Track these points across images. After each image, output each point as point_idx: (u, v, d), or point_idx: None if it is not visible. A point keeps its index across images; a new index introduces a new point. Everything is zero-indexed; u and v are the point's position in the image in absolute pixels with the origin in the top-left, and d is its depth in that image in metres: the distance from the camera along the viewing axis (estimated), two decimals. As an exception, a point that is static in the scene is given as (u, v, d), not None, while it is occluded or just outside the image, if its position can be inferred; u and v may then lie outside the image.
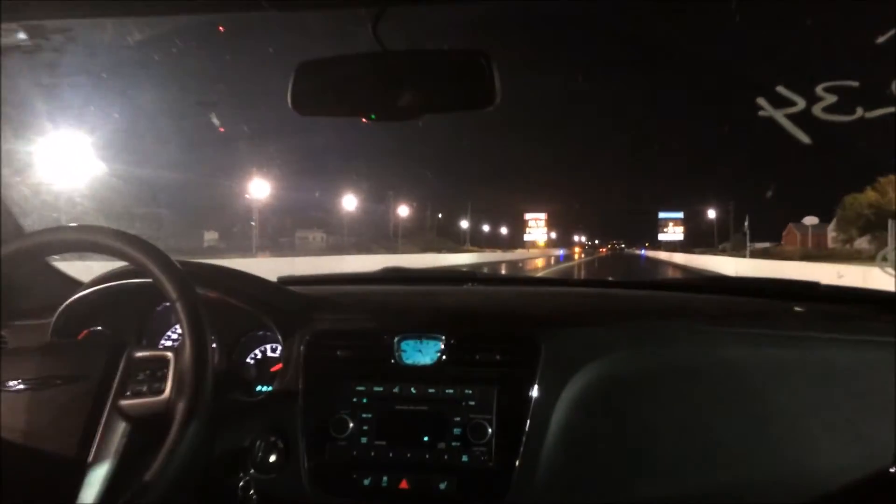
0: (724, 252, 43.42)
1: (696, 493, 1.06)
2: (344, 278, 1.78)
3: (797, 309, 1.33)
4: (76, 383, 0.93)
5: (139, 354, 0.97)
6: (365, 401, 1.15)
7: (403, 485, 1.09)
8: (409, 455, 1.11)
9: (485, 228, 71.41)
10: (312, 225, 43.90)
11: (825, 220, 40.90)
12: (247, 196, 27.97)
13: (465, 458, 1.09)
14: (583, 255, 69.39)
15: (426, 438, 1.11)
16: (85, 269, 1.37)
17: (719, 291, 1.54)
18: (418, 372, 1.17)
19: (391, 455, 1.11)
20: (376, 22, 0.97)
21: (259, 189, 27.96)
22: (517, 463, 1.07)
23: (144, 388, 0.94)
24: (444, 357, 1.17)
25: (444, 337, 1.18)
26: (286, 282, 1.62)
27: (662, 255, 55.73)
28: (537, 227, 67.15)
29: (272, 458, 1.12)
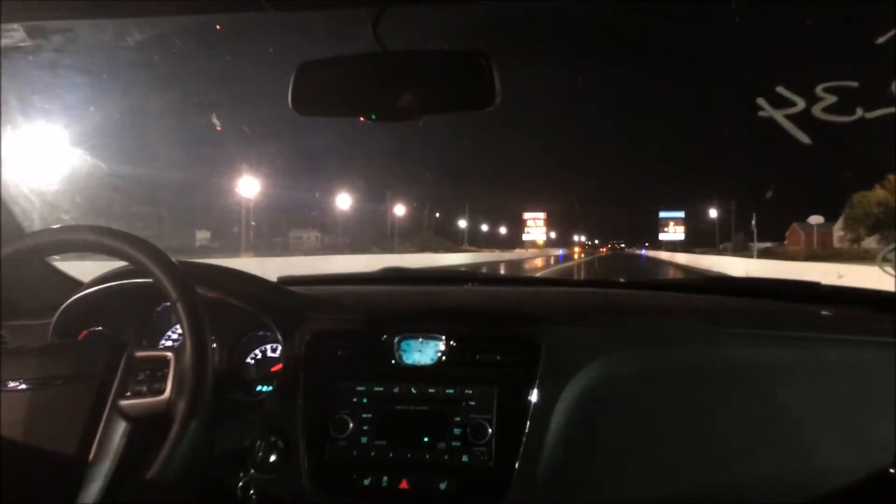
0: (725, 252, 42.71)
1: (697, 493, 1.07)
2: (344, 278, 1.78)
3: (801, 311, 1.33)
4: (76, 383, 0.93)
5: (139, 354, 0.97)
6: (365, 401, 1.15)
7: (403, 485, 1.09)
8: (409, 455, 1.11)
9: (483, 228, 71.16)
10: (308, 224, 43.58)
11: (830, 219, 39.86)
12: (239, 195, 27.57)
13: (465, 459, 1.09)
14: (582, 255, 68.71)
15: (426, 438, 1.11)
16: (85, 269, 1.37)
17: (719, 292, 1.54)
18: (418, 372, 1.17)
19: (391, 455, 1.11)
20: (376, 22, 0.97)
21: (248, 187, 27.41)
22: (517, 463, 1.07)
23: (144, 389, 0.94)
24: (444, 357, 1.17)
25: (444, 337, 1.18)
26: (286, 282, 1.62)
27: (664, 255, 54.67)
28: (536, 227, 66.91)
29: (272, 458, 1.12)
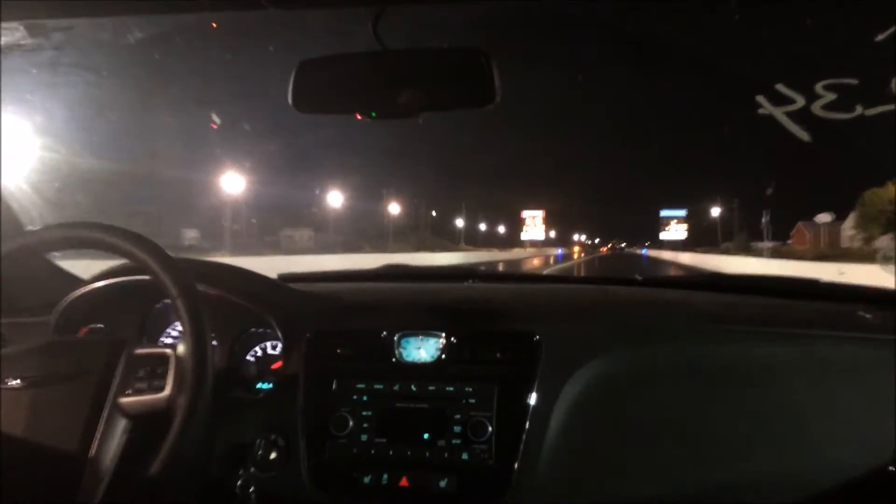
0: (728, 252, 41.48)
1: (697, 490, 1.07)
2: (345, 275, 1.78)
3: (800, 308, 1.33)
4: (76, 381, 0.93)
5: (139, 351, 0.97)
6: (365, 398, 1.15)
7: (403, 482, 1.09)
8: (409, 453, 1.11)
9: (482, 227, 70.59)
10: (302, 223, 42.88)
11: (837, 217, 39.06)
12: (232, 193, 26.91)
13: (465, 456, 1.09)
14: (582, 255, 67.24)
15: (426, 436, 1.11)
16: (85, 267, 1.37)
17: (719, 289, 1.54)
18: (418, 369, 1.17)
19: (391, 453, 1.11)
20: (376, 20, 0.98)
21: (232, 184, 26.72)
22: (517, 461, 1.07)
23: (145, 386, 0.94)
24: (444, 355, 1.17)
25: (444, 334, 1.18)
26: (287, 279, 1.62)
27: (666, 255, 52.98)
28: (535, 226, 66.61)
29: (272, 456, 1.12)
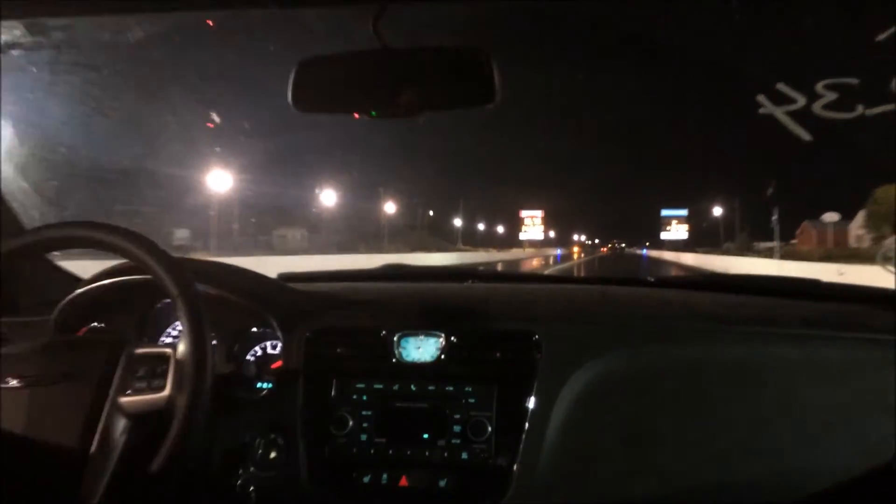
0: (728, 252, 40.03)
1: (697, 490, 1.06)
2: (344, 275, 1.77)
3: (801, 308, 1.33)
4: (76, 380, 0.93)
5: (139, 351, 0.97)
6: (365, 398, 1.15)
7: (403, 482, 1.09)
8: (408, 452, 1.11)
9: (480, 227, 69.95)
10: (296, 223, 41.79)
11: (845, 216, 37.15)
12: (218, 191, 26.07)
13: (464, 456, 1.09)
14: (582, 255, 66.27)
15: (426, 436, 1.11)
16: (84, 266, 1.37)
17: (720, 289, 1.54)
18: (418, 369, 1.17)
19: (391, 452, 1.11)
20: (377, 19, 0.97)
21: (219, 182, 25.72)
22: (517, 460, 1.07)
23: (144, 385, 0.93)
24: (443, 354, 1.17)
25: (443, 334, 1.18)
26: (287, 278, 1.62)
27: (668, 256, 51.12)
28: (534, 226, 66.35)
29: (272, 456, 1.12)
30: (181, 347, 0.94)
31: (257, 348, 1.31)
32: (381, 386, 1.16)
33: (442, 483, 1.08)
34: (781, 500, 1.06)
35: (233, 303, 1.24)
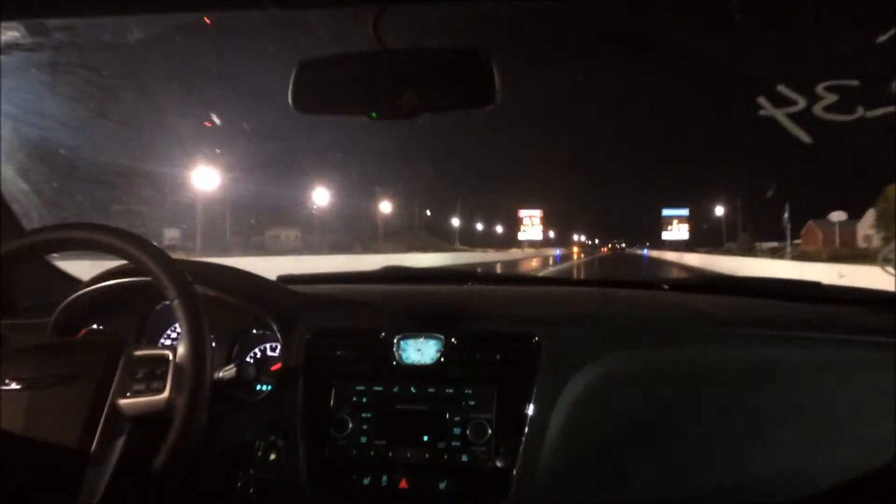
0: (730, 252, 38.51)
1: (697, 493, 1.06)
2: (344, 277, 1.77)
3: (801, 310, 1.32)
4: (75, 382, 0.92)
5: (138, 353, 0.97)
6: (364, 400, 1.15)
7: (403, 484, 1.09)
8: (408, 455, 1.11)
9: (479, 227, 69.36)
10: (290, 223, 40.80)
11: (852, 216, 35.04)
12: (204, 189, 25.00)
13: (464, 458, 1.09)
14: (582, 256, 65.18)
15: (426, 438, 1.11)
16: (84, 268, 1.37)
17: (720, 291, 1.53)
18: (418, 371, 1.17)
19: (391, 455, 1.11)
20: (377, 20, 0.97)
21: (205, 180, 24.50)
22: (517, 462, 1.06)
23: (143, 387, 0.93)
24: (443, 356, 1.17)
25: (443, 336, 1.18)
26: (286, 280, 1.62)
27: (670, 256, 48.67)
28: (532, 225, 66.06)
29: (272, 458, 1.12)
30: (180, 349, 0.94)
31: (257, 350, 1.31)
32: (380, 388, 1.15)
33: (442, 485, 1.08)
34: (781, 501, 1.06)
35: (232, 305, 1.24)
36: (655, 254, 62.89)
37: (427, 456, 1.10)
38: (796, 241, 39.36)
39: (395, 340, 1.19)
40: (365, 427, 1.13)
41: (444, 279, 1.78)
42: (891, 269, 1.56)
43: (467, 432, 1.10)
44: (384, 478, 1.10)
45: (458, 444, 1.10)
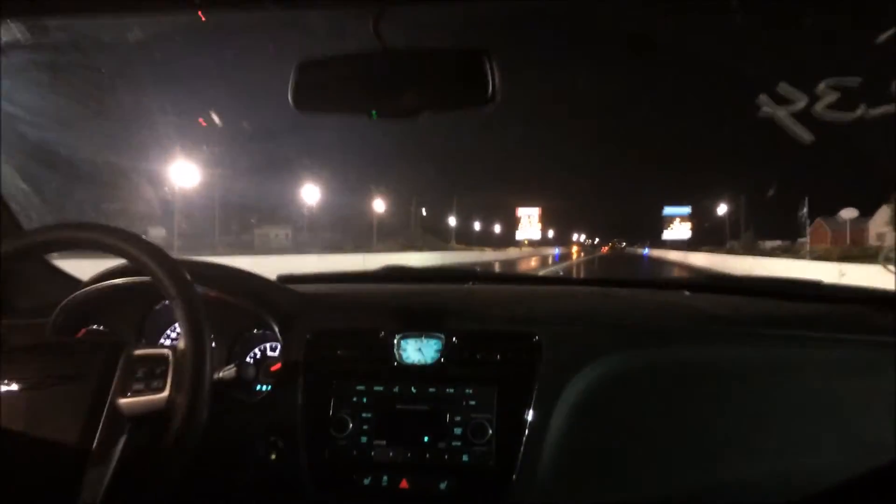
0: (733, 251, 36.93)
1: (697, 492, 1.06)
2: (344, 276, 1.78)
3: (801, 309, 1.32)
4: (75, 382, 0.92)
5: (138, 352, 0.97)
6: (365, 400, 1.15)
7: (403, 484, 1.09)
8: (409, 455, 1.11)
9: (476, 225, 68.48)
10: (280, 221, 40.16)
11: (863, 213, 33.91)
12: (184, 186, 24.88)
13: (465, 458, 1.09)
14: (581, 255, 63.18)
15: (426, 438, 1.11)
16: (83, 267, 1.36)
17: (720, 290, 1.53)
18: (418, 371, 1.17)
19: (391, 455, 1.11)
20: (377, 20, 0.97)
21: (184, 176, 24.12)
22: (518, 462, 1.06)
23: (143, 386, 0.93)
24: (444, 356, 1.17)
25: (444, 336, 1.18)
26: (286, 280, 1.62)
27: (673, 256, 45.38)
28: (530, 224, 65.76)
29: (272, 457, 1.12)
30: (180, 348, 0.94)
31: (257, 350, 1.31)
32: (381, 388, 1.15)
33: (442, 485, 1.08)
34: (782, 500, 1.06)
35: (232, 304, 1.24)
36: (657, 253, 61.10)
37: (427, 456, 1.10)
38: (802, 240, 37.59)
39: (395, 340, 1.19)
40: (365, 427, 1.13)
41: (444, 279, 1.78)
42: (891, 268, 1.56)
43: (468, 432, 1.09)
44: (384, 478, 1.10)
45: (458, 444, 1.10)
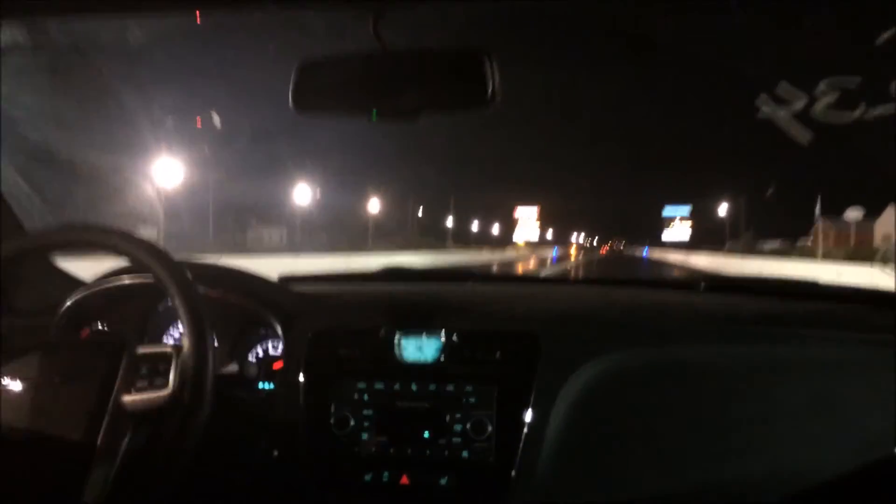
0: (734, 252, 35.04)
1: (697, 490, 1.07)
2: (345, 276, 1.78)
3: (800, 309, 1.33)
4: (79, 382, 0.93)
5: (141, 351, 0.97)
6: (366, 398, 1.15)
7: (404, 480, 1.10)
8: (409, 451, 1.11)
9: (474, 225, 68.03)
10: (274, 221, 39.04)
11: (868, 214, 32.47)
12: (165, 185, 23.26)
13: (465, 455, 1.09)
14: (580, 256, 64.23)
15: (427, 435, 1.11)
16: (86, 268, 1.37)
17: (719, 290, 1.54)
18: (419, 369, 1.17)
19: (392, 451, 1.12)
20: (377, 21, 0.97)
21: (166, 174, 22.50)
22: (518, 459, 1.07)
23: (146, 384, 0.94)
24: (444, 355, 1.17)
25: (444, 334, 1.18)
26: (288, 279, 1.63)
27: (673, 257, 41.99)
28: (528, 224, 65.57)
29: (273, 455, 1.12)
30: (183, 348, 0.94)
31: (258, 349, 1.31)
32: (381, 386, 1.16)
33: (443, 481, 1.08)
34: (781, 498, 1.06)
35: (234, 304, 1.24)
36: (657, 254, 59.67)
37: (428, 452, 1.11)
38: (804, 243, 36.59)
39: (395, 339, 1.19)
40: (366, 424, 1.14)
41: (445, 278, 1.79)
42: (888, 270, 1.56)
43: (468, 429, 1.10)
44: (385, 474, 1.10)
45: (458, 440, 1.10)
